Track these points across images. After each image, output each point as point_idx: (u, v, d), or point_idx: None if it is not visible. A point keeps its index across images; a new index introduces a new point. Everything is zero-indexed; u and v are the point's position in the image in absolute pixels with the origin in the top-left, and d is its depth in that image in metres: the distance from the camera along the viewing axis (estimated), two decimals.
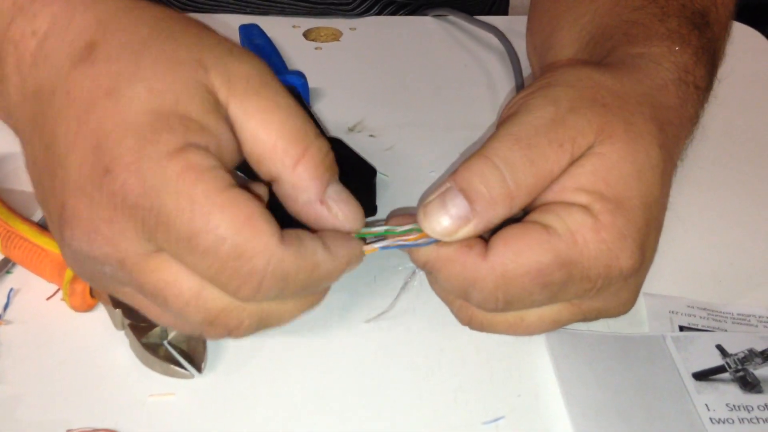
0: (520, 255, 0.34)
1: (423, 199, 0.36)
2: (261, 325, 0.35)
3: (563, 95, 0.36)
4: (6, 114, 0.36)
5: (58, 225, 0.32)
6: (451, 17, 0.77)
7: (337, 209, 0.34)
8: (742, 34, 0.77)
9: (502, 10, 0.96)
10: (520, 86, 0.61)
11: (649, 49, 0.42)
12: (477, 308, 0.37)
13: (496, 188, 0.34)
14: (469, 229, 0.34)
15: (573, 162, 0.35)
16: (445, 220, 0.34)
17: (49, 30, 0.33)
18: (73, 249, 0.32)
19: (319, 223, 0.34)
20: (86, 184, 0.31)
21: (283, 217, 0.34)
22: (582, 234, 0.34)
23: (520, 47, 0.66)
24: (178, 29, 0.34)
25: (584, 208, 0.35)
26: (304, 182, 0.33)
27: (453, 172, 0.35)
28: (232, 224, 0.30)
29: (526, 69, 0.64)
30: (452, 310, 0.40)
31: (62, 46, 0.33)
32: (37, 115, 0.33)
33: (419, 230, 0.35)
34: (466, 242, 0.35)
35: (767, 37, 0.78)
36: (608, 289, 0.36)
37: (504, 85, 0.68)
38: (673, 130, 0.39)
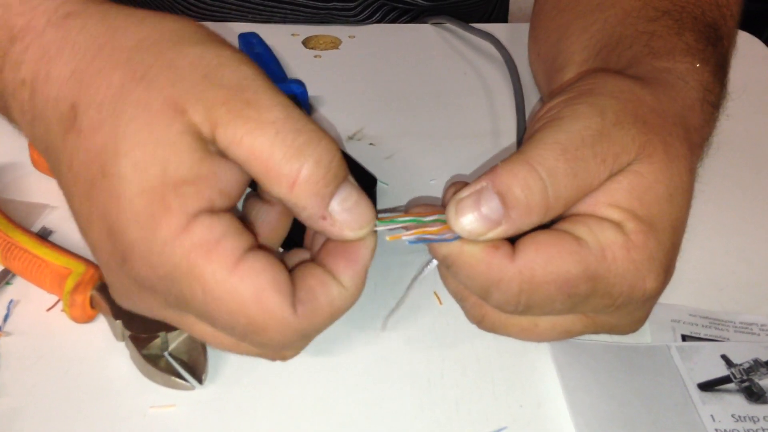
0: (549, 262, 0.33)
1: (446, 195, 0.35)
2: (306, 344, 0.36)
3: (609, 106, 0.36)
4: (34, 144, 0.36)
5: (109, 288, 0.35)
6: (450, 25, 0.77)
7: (342, 223, 0.33)
8: (741, 42, 0.77)
9: (502, 17, 0.96)
10: (518, 93, 0.61)
11: (674, 65, 0.42)
12: (493, 308, 0.37)
13: (535, 198, 0.33)
14: (497, 233, 0.33)
15: (610, 177, 0.35)
16: (476, 220, 0.33)
17: (34, 80, 0.33)
18: (119, 301, 0.35)
19: (325, 234, 0.34)
20: (110, 264, 0.33)
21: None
22: (612, 251, 0.34)
23: (520, 55, 0.66)
24: (150, 64, 0.32)
25: (617, 225, 0.34)
26: (303, 202, 0.32)
27: (491, 172, 0.34)
28: (243, 304, 0.31)
29: (524, 76, 0.64)
30: (463, 306, 0.39)
31: (47, 107, 0.33)
32: (55, 173, 0.34)
33: (443, 221, 0.34)
34: (492, 242, 0.34)
35: (766, 44, 0.78)
36: (626, 308, 0.36)
37: (502, 92, 0.68)
38: (697, 152, 0.39)
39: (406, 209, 0.36)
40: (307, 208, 0.32)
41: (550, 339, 0.38)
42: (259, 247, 0.32)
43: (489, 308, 0.37)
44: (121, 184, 0.30)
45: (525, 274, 0.33)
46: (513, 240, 0.35)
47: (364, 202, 0.34)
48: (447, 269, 0.35)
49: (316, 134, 0.32)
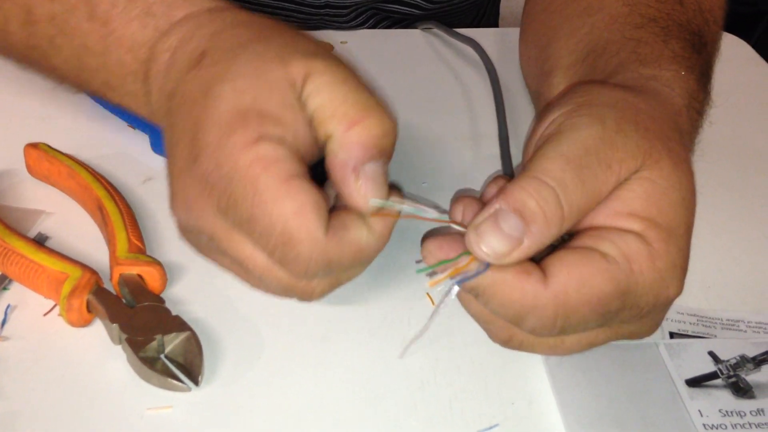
0: (583, 284, 0.33)
1: (455, 213, 0.36)
2: (332, 287, 0.38)
3: (608, 115, 0.36)
4: (150, 113, 0.43)
5: (171, 199, 0.38)
6: (437, 30, 0.78)
7: (363, 185, 0.35)
8: (729, 44, 0.78)
9: (492, 21, 0.97)
10: (498, 97, 0.61)
11: (660, 72, 0.43)
12: (521, 330, 0.36)
13: (551, 208, 0.33)
14: (522, 251, 0.33)
15: (619, 184, 0.35)
16: (498, 241, 0.33)
17: (178, 46, 0.40)
18: (179, 220, 0.38)
19: (340, 187, 0.35)
20: (184, 168, 0.36)
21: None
22: (638, 263, 0.34)
23: (508, 59, 0.66)
24: (274, 34, 0.38)
25: (638, 235, 0.34)
26: (349, 143, 0.35)
27: (500, 194, 0.34)
28: (284, 214, 0.34)
29: (506, 80, 0.64)
30: (489, 329, 0.38)
31: (183, 57, 0.39)
32: (168, 111, 0.39)
33: (468, 253, 0.34)
34: (524, 267, 0.34)
35: (753, 47, 0.79)
36: (649, 315, 0.36)
37: (490, 97, 0.68)
38: (690, 156, 0.40)
39: (450, 211, 0.37)
40: (350, 151, 0.35)
41: (577, 352, 0.38)
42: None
43: (517, 330, 0.37)
44: (217, 99, 0.35)
45: (560, 299, 0.33)
46: (536, 261, 0.34)
47: (384, 189, 0.36)
48: (476, 297, 0.35)
49: (389, 112, 0.37)
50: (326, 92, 0.35)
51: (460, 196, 0.37)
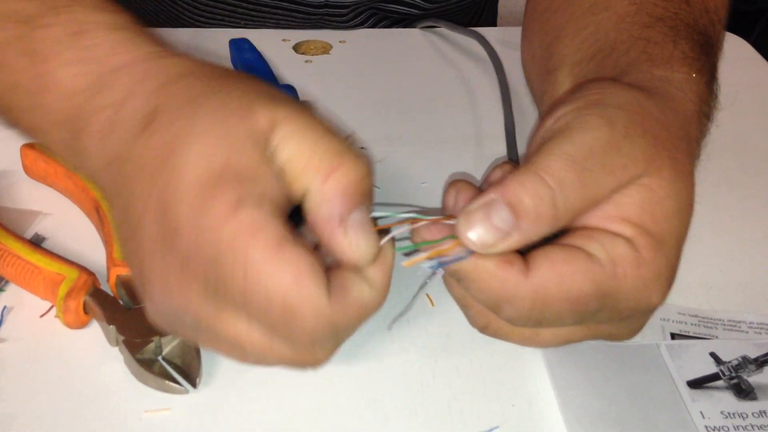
0: (563, 281, 0.33)
1: (448, 197, 0.36)
2: (336, 349, 0.36)
3: (618, 118, 0.36)
4: (87, 174, 0.39)
5: (140, 282, 0.35)
6: (439, 29, 0.78)
7: (353, 238, 0.33)
8: (728, 43, 0.77)
9: (491, 21, 0.97)
10: (504, 91, 0.61)
11: (673, 74, 0.42)
12: (498, 317, 0.37)
13: (545, 207, 0.33)
14: (508, 244, 0.33)
15: (618, 189, 0.35)
16: (486, 231, 0.33)
17: (119, 103, 0.36)
18: (155, 304, 0.34)
19: (330, 244, 0.33)
20: (158, 245, 0.33)
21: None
22: (623, 268, 0.34)
23: (509, 57, 0.66)
24: (229, 84, 0.35)
25: (628, 240, 0.34)
26: (331, 196, 0.33)
27: (499, 184, 0.34)
28: (281, 286, 0.31)
29: (511, 75, 0.64)
30: (467, 313, 0.39)
31: (128, 118, 0.35)
32: (115, 181, 0.35)
33: (453, 237, 0.34)
34: (507, 257, 0.34)
35: (753, 45, 0.79)
36: (629, 319, 0.36)
37: (491, 96, 0.68)
38: (696, 164, 0.40)
39: (446, 208, 0.37)
40: (333, 204, 0.33)
41: (551, 346, 0.38)
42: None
43: (494, 317, 0.37)
44: (184, 165, 0.32)
45: (539, 292, 0.33)
46: (522, 252, 0.34)
47: (374, 237, 0.34)
48: (457, 281, 0.35)
49: (361, 153, 0.35)
50: (294, 142, 0.33)
51: (454, 180, 0.37)
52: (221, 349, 0.36)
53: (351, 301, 0.33)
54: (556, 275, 0.33)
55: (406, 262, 0.35)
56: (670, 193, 0.35)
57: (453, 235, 0.34)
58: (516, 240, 0.33)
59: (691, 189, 0.36)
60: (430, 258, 0.35)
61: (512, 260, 0.34)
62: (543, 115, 0.39)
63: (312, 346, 0.34)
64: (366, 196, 0.34)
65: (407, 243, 0.36)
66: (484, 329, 0.38)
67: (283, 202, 0.33)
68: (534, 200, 0.33)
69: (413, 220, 0.35)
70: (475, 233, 0.33)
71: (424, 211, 0.36)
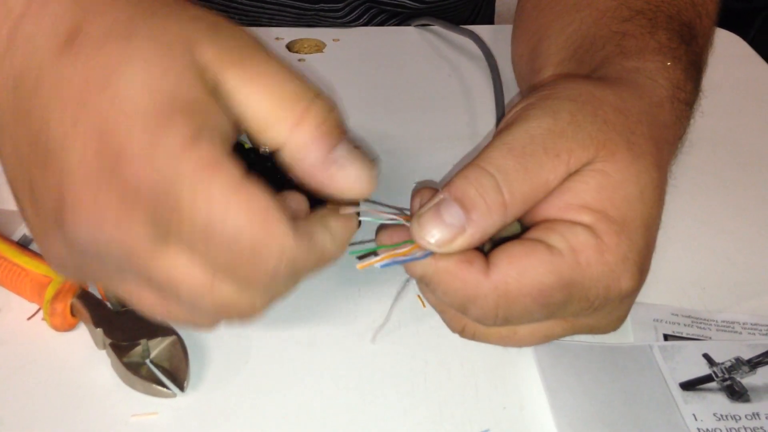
0: (523, 275, 0.33)
1: (413, 204, 0.36)
2: (271, 303, 0.34)
3: (563, 108, 0.36)
4: None
5: (53, 217, 0.31)
6: (434, 27, 0.77)
7: (351, 170, 0.32)
8: (724, 41, 0.77)
9: (488, 19, 0.96)
10: (497, 89, 0.60)
11: (644, 64, 0.42)
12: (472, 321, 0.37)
13: (490, 196, 0.33)
14: (464, 240, 0.33)
15: (571, 175, 0.35)
16: (440, 230, 0.33)
17: (24, 11, 0.32)
18: (75, 238, 0.31)
19: (326, 189, 0.32)
20: (90, 171, 0.30)
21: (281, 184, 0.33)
22: (585, 255, 0.34)
23: (504, 56, 0.66)
24: (161, 6, 0.32)
25: (588, 227, 0.34)
26: (308, 144, 0.31)
27: (447, 183, 0.34)
28: (249, 220, 0.30)
29: (505, 74, 0.63)
30: (444, 318, 0.39)
31: (41, 30, 0.31)
32: (18, 106, 0.32)
33: (412, 242, 0.34)
34: (466, 257, 0.34)
35: (749, 43, 0.78)
36: (604, 309, 0.36)
37: (486, 94, 0.68)
38: (667, 148, 0.39)
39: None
40: (313, 151, 0.31)
41: (531, 344, 0.38)
42: None
43: (468, 319, 0.37)
44: (129, 92, 0.29)
45: (500, 289, 0.33)
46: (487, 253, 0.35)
47: (366, 163, 0.33)
48: (426, 286, 0.36)
49: (317, 89, 0.32)
50: (251, 90, 0.31)
51: (419, 188, 0.37)
52: (143, 295, 0.34)
53: (314, 246, 0.32)
54: (516, 270, 0.33)
55: (359, 265, 0.35)
56: (626, 176, 0.35)
57: (410, 240, 0.35)
58: (471, 234, 0.33)
59: (654, 171, 0.36)
60: (388, 260, 0.35)
61: (472, 259, 0.34)
62: None
63: (265, 288, 0.32)
64: (341, 128, 0.32)
65: (360, 247, 0.36)
66: (462, 333, 0.39)
67: (232, 140, 0.32)
68: (478, 190, 0.33)
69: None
70: (429, 233, 0.33)
71: (401, 214, 0.36)
